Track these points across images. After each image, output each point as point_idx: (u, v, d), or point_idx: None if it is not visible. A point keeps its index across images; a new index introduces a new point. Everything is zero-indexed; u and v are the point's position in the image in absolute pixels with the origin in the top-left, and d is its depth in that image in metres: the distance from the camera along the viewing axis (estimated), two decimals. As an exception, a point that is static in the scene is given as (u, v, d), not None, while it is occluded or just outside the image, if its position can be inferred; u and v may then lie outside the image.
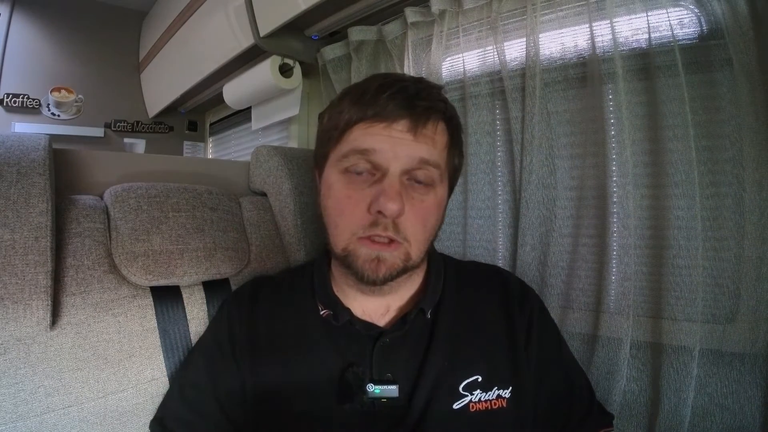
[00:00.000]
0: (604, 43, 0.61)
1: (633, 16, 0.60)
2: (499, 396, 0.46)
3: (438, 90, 0.48)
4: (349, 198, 0.44)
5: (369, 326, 0.48)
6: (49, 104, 1.61)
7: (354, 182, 0.44)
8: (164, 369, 0.55)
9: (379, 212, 0.42)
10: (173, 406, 0.50)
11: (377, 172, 0.44)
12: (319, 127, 0.51)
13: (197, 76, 1.36)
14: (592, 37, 0.62)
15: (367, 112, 0.44)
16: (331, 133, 0.47)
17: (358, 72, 0.92)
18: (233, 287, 0.63)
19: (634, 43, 0.61)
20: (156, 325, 0.55)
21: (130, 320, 0.53)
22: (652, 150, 0.60)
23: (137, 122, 1.80)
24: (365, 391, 0.45)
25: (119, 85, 1.77)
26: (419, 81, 0.47)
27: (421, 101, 0.44)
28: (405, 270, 0.45)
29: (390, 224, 0.42)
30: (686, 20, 0.58)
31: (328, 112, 0.49)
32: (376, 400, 0.45)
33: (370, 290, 0.48)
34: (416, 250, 0.45)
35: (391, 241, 0.43)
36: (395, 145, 0.43)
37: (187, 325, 0.57)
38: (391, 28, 0.86)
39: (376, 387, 0.45)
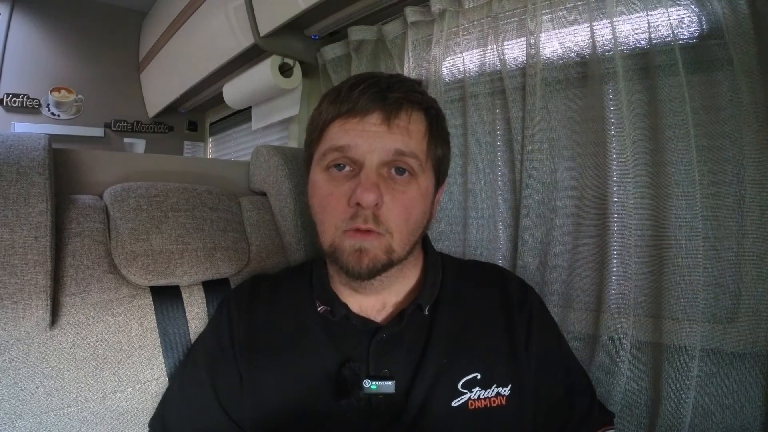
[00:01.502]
0: (605, 43, 0.61)
1: (633, 16, 0.60)
2: (498, 394, 0.46)
3: (413, 82, 0.48)
4: (331, 194, 0.45)
5: (366, 322, 0.48)
6: (49, 104, 1.61)
7: (335, 178, 0.45)
8: (164, 369, 0.55)
9: (358, 204, 0.42)
10: (173, 404, 0.51)
11: (356, 167, 0.44)
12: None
13: (197, 76, 1.36)
14: (593, 37, 0.62)
15: (341, 109, 0.45)
16: (312, 135, 0.49)
17: (358, 72, 0.92)
18: (233, 287, 0.63)
19: (634, 43, 0.60)
20: (156, 325, 0.55)
21: (129, 320, 0.53)
22: (652, 149, 0.60)
23: (137, 122, 1.80)
24: (362, 387, 0.44)
25: (119, 85, 1.77)
26: (393, 75, 0.48)
27: (393, 93, 0.44)
28: (390, 263, 0.45)
29: (370, 216, 0.42)
30: (686, 20, 0.58)
31: (311, 116, 0.50)
32: (373, 396, 0.45)
33: (362, 287, 0.48)
34: (399, 242, 0.44)
35: (371, 231, 0.43)
36: (369, 138, 0.43)
37: (187, 325, 0.57)
38: (391, 28, 0.86)
39: (373, 383, 0.45)
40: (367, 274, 0.44)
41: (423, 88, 0.49)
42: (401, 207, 0.44)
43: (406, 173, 0.45)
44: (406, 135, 0.45)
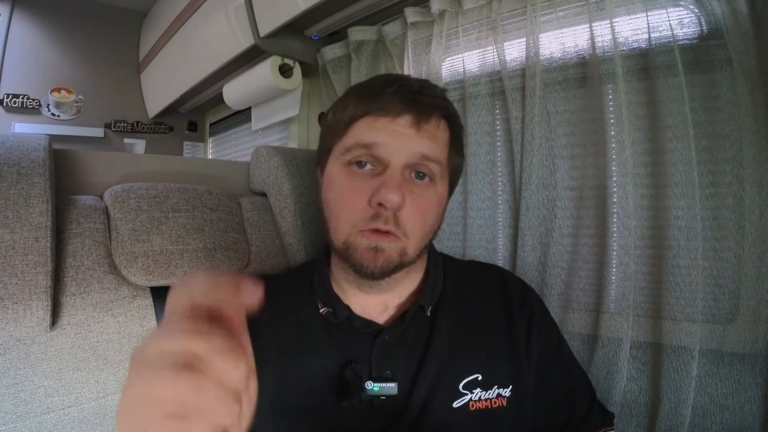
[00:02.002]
0: (604, 43, 0.61)
1: (633, 16, 0.60)
2: (499, 395, 0.46)
3: (441, 90, 0.49)
4: (351, 189, 0.44)
5: (368, 323, 0.48)
6: (49, 104, 1.61)
7: (355, 175, 0.45)
8: (164, 369, 0.55)
9: (380, 204, 0.42)
10: None
11: (379, 166, 0.44)
12: (322, 125, 0.52)
13: (197, 77, 1.36)
14: (592, 37, 0.62)
15: (372, 106, 0.44)
16: (335, 128, 0.48)
17: (358, 72, 0.92)
18: (233, 287, 0.63)
19: (634, 43, 0.60)
20: (156, 325, 0.55)
21: (130, 321, 0.53)
22: (652, 150, 0.60)
23: (137, 122, 1.80)
24: (364, 389, 0.44)
25: (119, 85, 1.77)
26: (422, 80, 0.48)
27: (425, 97, 0.45)
28: (401, 265, 0.45)
29: (391, 217, 0.42)
30: (686, 20, 0.58)
31: (333, 109, 0.50)
32: (375, 397, 0.45)
33: (369, 285, 0.48)
34: (413, 246, 0.45)
35: (390, 233, 0.43)
36: (398, 139, 0.44)
37: (187, 326, 0.57)
38: (391, 28, 0.86)
39: (375, 385, 0.45)
40: (380, 274, 0.44)
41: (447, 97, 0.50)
42: (419, 211, 0.44)
43: (426, 178, 0.45)
44: (433, 140, 0.45)
